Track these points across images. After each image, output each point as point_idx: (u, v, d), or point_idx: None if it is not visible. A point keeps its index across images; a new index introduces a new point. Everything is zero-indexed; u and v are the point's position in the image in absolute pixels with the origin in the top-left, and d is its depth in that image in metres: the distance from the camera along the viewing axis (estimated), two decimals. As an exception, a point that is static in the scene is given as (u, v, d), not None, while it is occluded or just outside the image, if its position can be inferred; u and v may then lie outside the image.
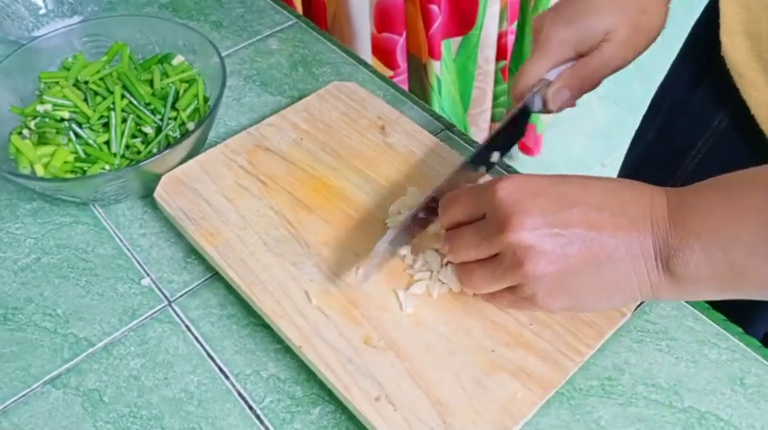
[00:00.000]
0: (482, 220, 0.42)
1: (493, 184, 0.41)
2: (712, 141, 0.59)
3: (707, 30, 0.58)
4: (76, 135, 0.60)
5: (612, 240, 0.38)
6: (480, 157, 0.53)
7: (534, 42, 0.54)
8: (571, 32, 0.52)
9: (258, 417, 0.48)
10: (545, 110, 0.54)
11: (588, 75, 0.52)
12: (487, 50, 1.44)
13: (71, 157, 0.59)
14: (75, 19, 0.80)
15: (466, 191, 0.44)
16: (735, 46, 0.52)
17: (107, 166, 0.59)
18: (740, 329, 0.51)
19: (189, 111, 0.63)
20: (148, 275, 0.57)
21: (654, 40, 0.54)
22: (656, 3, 0.53)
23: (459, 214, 0.44)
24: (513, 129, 0.55)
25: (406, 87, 1.41)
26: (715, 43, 0.54)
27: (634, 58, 0.53)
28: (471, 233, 0.42)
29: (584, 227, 0.39)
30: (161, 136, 0.61)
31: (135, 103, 0.62)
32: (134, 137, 0.61)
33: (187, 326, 0.53)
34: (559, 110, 0.54)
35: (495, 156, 0.55)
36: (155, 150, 0.61)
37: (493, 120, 1.69)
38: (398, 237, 0.49)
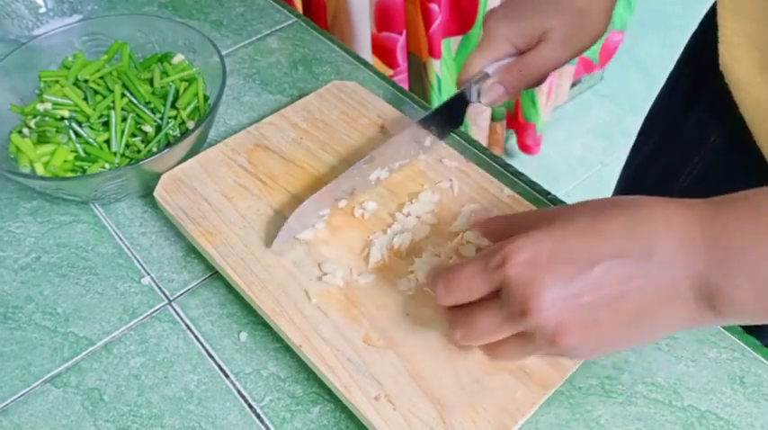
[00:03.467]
0: (495, 301, 0.38)
1: (502, 263, 0.37)
2: (707, 158, 0.59)
3: (703, 43, 0.58)
4: (76, 134, 0.60)
5: (642, 293, 0.35)
6: (413, 136, 0.55)
7: (481, 37, 0.56)
8: (512, 30, 0.54)
9: (258, 416, 0.48)
10: (480, 101, 0.56)
11: (524, 72, 0.54)
12: (487, 49, 1.44)
13: (71, 156, 0.59)
14: (75, 18, 0.80)
15: (469, 269, 0.39)
16: (736, 59, 0.51)
17: (107, 165, 0.59)
18: (740, 328, 0.51)
19: (189, 109, 0.63)
20: (148, 274, 0.57)
21: (594, 42, 0.55)
22: (597, 7, 0.54)
23: (465, 297, 0.40)
24: (448, 116, 0.57)
25: (406, 86, 1.41)
26: (712, 57, 0.54)
27: (570, 59, 0.54)
28: (487, 317, 0.39)
29: (609, 286, 0.35)
30: (161, 135, 0.61)
31: (135, 101, 0.62)
32: (134, 136, 0.61)
33: (187, 325, 0.53)
34: (491, 104, 0.55)
35: (428, 141, 0.57)
36: (155, 149, 0.61)
37: (493, 118, 1.69)
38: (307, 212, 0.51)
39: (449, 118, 0.58)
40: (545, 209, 0.41)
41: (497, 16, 0.55)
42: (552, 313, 0.36)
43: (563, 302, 0.36)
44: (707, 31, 0.57)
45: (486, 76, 0.55)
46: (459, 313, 0.40)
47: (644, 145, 0.71)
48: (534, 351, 0.39)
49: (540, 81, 0.55)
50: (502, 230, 0.43)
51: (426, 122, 0.56)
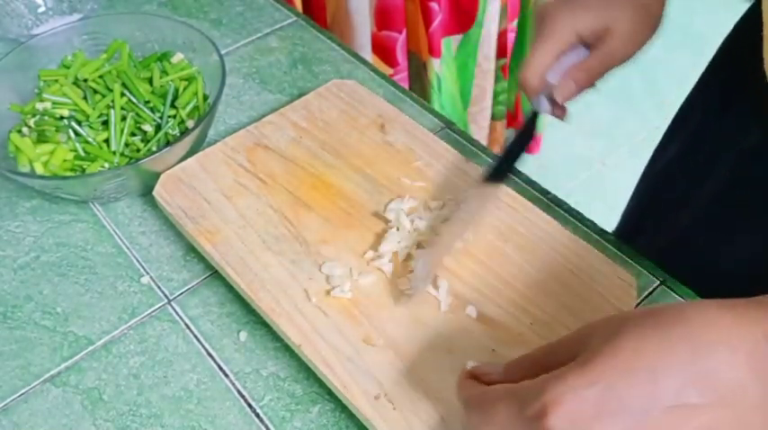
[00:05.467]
0: None
1: (542, 413, 0.31)
2: (739, 160, 0.57)
3: (740, 45, 0.57)
4: (76, 133, 0.60)
5: None
6: (499, 171, 0.54)
7: (537, 30, 0.54)
8: (579, 21, 0.52)
9: (258, 416, 0.48)
10: (552, 110, 0.55)
11: (594, 68, 0.53)
12: (488, 48, 1.44)
13: (70, 155, 0.59)
14: (75, 17, 0.79)
15: (504, 411, 0.34)
16: None
17: (106, 164, 0.59)
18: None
19: (188, 109, 0.62)
20: (148, 274, 0.57)
21: (652, 35, 0.54)
22: (657, 0, 0.53)
23: (493, 420, 0.34)
24: (526, 138, 0.56)
25: (405, 85, 1.41)
26: (750, 60, 0.53)
27: (635, 53, 0.53)
28: None
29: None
30: (160, 134, 0.61)
31: (134, 100, 0.61)
32: (133, 135, 0.61)
33: (186, 325, 0.53)
34: (564, 101, 0.54)
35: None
36: (154, 148, 0.61)
37: (493, 118, 1.68)
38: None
39: (527, 139, 0.56)
40: (567, 336, 0.35)
41: (559, 8, 0.53)
42: None
43: None
44: (744, 33, 0.57)
45: (552, 85, 0.53)
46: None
47: (671, 143, 0.70)
48: None
49: (599, 78, 0.54)
50: (525, 373, 0.36)
51: (511, 153, 0.55)
